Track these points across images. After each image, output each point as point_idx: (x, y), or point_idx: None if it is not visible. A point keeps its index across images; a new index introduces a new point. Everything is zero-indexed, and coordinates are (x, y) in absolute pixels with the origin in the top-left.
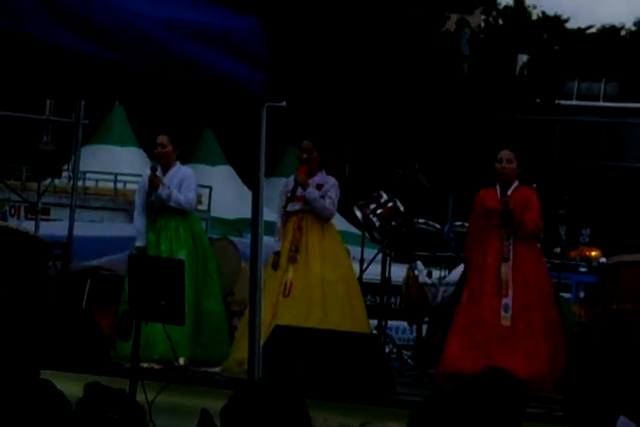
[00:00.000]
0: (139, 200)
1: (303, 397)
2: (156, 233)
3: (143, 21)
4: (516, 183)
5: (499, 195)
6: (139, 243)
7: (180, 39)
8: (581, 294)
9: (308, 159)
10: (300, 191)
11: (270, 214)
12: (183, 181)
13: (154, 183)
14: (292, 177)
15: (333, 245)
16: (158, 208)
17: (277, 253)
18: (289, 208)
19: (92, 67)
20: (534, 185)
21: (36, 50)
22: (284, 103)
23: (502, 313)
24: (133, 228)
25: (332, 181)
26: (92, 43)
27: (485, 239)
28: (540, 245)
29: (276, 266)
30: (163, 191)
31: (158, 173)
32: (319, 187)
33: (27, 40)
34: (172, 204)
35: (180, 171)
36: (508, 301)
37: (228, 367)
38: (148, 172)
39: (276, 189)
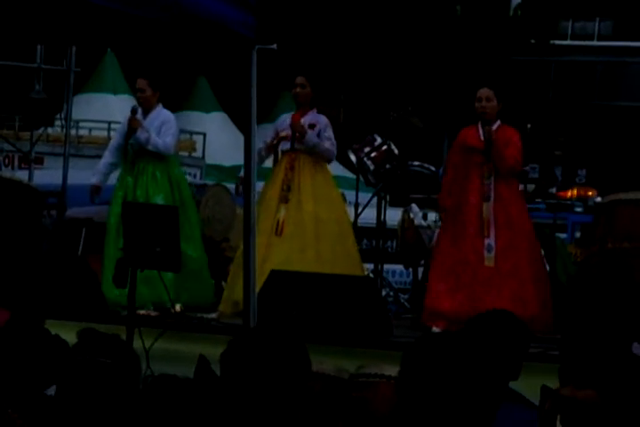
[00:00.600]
0: (114, 141)
1: (303, 341)
2: (134, 177)
3: None
4: (498, 122)
5: (480, 133)
6: (93, 179)
7: None
8: (577, 235)
9: (302, 93)
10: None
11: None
12: (163, 124)
13: (132, 126)
14: (285, 115)
15: (326, 185)
16: (137, 151)
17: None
18: (282, 147)
19: (81, 12)
20: (529, 126)
21: None
22: (274, 46)
23: (485, 253)
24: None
25: (324, 119)
26: None
27: (466, 178)
28: (534, 186)
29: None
30: (141, 134)
31: (138, 115)
32: (312, 126)
33: None
34: (150, 147)
35: (160, 114)
36: (490, 241)
37: (222, 310)
38: (128, 114)
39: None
